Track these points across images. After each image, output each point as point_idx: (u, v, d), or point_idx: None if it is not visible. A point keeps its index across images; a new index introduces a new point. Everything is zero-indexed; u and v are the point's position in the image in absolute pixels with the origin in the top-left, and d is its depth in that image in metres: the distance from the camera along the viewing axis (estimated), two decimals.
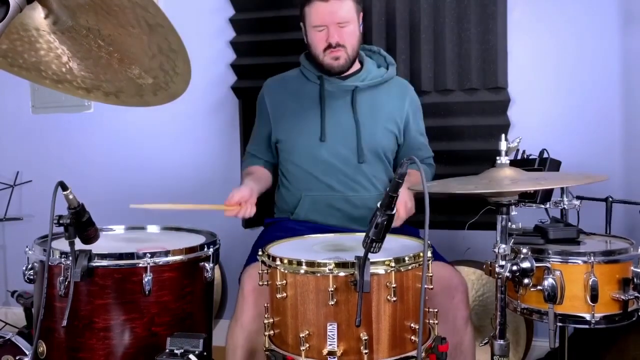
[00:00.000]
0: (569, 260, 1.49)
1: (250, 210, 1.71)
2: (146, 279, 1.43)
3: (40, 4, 0.85)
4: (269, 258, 1.29)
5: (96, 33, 0.89)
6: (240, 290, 1.61)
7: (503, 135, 1.39)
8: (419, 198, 1.72)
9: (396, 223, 1.61)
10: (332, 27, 1.80)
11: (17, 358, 1.80)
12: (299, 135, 1.90)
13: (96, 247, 1.42)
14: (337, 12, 1.80)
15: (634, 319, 1.50)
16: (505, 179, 1.32)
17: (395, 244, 1.40)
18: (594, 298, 1.44)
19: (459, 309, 1.66)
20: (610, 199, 1.95)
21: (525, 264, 1.33)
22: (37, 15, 0.87)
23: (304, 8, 1.85)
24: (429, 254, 1.29)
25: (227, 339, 1.62)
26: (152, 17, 0.80)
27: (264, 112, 1.99)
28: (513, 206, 1.34)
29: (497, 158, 1.38)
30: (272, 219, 2.01)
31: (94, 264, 1.41)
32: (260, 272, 1.31)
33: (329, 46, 1.82)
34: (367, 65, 1.95)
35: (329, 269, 1.18)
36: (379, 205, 1.13)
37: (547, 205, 1.76)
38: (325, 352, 1.18)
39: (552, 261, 1.48)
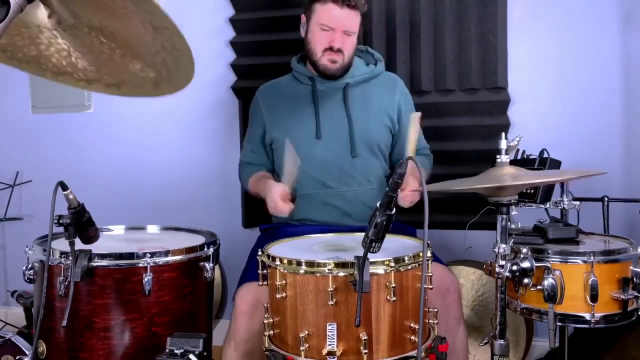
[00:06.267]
0: (569, 260, 1.49)
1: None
2: (146, 279, 1.43)
3: (42, 3, 0.85)
4: (268, 258, 1.29)
5: (98, 31, 0.89)
6: (233, 310, 1.60)
7: (503, 134, 1.38)
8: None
9: (404, 203, 1.69)
10: (338, 32, 1.84)
11: (17, 358, 1.80)
12: (294, 133, 1.91)
13: (96, 247, 1.42)
14: (347, 20, 1.84)
15: (633, 318, 1.50)
16: (505, 176, 1.32)
17: (395, 244, 1.40)
18: (594, 298, 1.44)
19: (451, 309, 1.66)
20: (607, 198, 1.95)
21: (525, 264, 1.33)
22: (39, 13, 0.87)
23: (315, 4, 1.86)
24: (429, 254, 1.29)
25: (223, 358, 1.61)
26: (158, 20, 0.80)
27: (259, 116, 2.01)
28: (513, 206, 1.34)
29: (497, 156, 1.37)
30: (268, 225, 2.02)
31: (94, 264, 1.41)
32: (260, 272, 1.31)
33: (330, 49, 1.86)
34: (356, 63, 1.99)
35: (329, 269, 1.18)
36: (378, 205, 1.13)
37: (547, 205, 1.76)
38: (324, 352, 1.18)
39: (552, 261, 1.48)
